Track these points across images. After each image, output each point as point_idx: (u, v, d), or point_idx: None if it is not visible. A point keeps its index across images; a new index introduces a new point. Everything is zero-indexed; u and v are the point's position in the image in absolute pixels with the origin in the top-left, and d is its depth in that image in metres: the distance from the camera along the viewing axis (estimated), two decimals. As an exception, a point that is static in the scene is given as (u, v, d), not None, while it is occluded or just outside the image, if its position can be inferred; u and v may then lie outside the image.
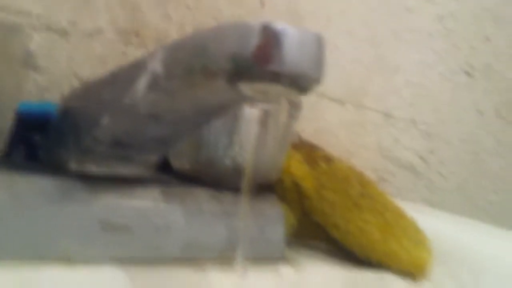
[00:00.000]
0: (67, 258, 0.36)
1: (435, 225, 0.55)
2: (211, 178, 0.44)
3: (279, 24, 0.26)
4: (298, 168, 0.50)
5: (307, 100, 0.64)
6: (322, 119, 0.67)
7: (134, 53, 0.54)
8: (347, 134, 0.69)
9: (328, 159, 0.51)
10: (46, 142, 0.41)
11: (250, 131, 0.29)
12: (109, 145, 0.37)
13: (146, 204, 0.39)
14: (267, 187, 0.48)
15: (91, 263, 0.37)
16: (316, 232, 0.51)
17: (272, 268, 0.44)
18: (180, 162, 0.45)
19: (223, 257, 0.41)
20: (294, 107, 0.46)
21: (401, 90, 0.73)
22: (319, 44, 0.26)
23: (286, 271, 0.44)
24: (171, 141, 0.38)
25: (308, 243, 0.52)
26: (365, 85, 0.70)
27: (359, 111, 0.70)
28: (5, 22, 0.46)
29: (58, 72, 0.51)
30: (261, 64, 0.25)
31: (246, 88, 0.27)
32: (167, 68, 0.30)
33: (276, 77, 0.26)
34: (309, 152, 0.52)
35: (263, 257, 0.43)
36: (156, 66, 0.31)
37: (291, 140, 0.50)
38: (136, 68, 0.33)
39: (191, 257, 0.40)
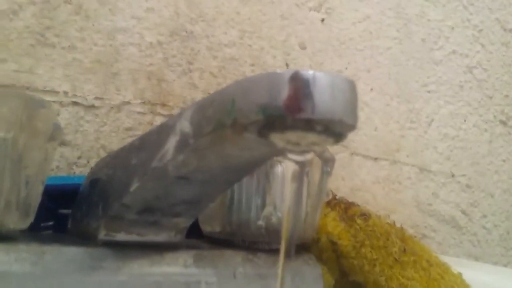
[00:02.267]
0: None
1: (480, 277, 0.53)
2: (244, 240, 0.42)
3: (309, 71, 0.25)
4: (334, 226, 0.49)
5: (340, 158, 0.64)
6: (356, 177, 0.65)
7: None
8: (384, 191, 0.67)
9: (365, 215, 0.50)
10: (74, 213, 0.41)
11: (285, 188, 0.28)
12: (138, 212, 0.36)
13: (177, 270, 0.38)
14: (303, 247, 0.46)
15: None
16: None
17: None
18: (210, 226, 0.43)
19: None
20: (327, 163, 0.45)
21: (436, 143, 0.72)
22: (350, 88, 0.25)
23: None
24: (201, 203, 0.37)
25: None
26: (398, 140, 0.69)
27: (394, 166, 0.68)
28: (31, 96, 0.47)
29: (86, 145, 0.51)
30: (293, 113, 0.24)
31: (278, 139, 0.26)
32: (195, 126, 0.30)
33: (309, 125, 0.25)
34: (345, 209, 0.50)
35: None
36: (184, 125, 0.30)
37: (326, 197, 0.48)
38: (164, 130, 0.32)
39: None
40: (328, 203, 0.50)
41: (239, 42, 0.59)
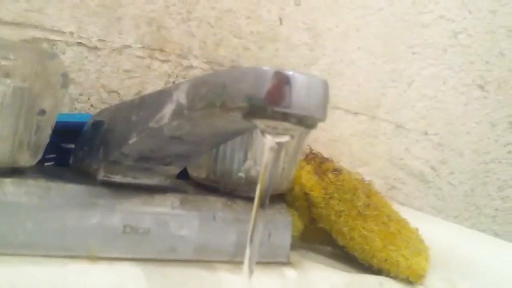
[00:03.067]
0: (92, 256, 0.40)
1: (438, 234, 0.59)
2: (226, 188, 0.48)
3: (290, 71, 0.29)
4: (308, 179, 0.54)
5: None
6: (336, 129, 0.70)
7: (158, 68, 0.58)
8: (360, 144, 0.73)
9: (337, 171, 0.55)
10: (76, 151, 0.46)
11: (265, 157, 0.33)
12: (135, 160, 0.41)
13: (164, 211, 0.43)
14: (278, 197, 0.52)
15: (113, 261, 0.41)
16: (322, 237, 0.55)
17: (278, 271, 0.48)
18: (197, 172, 0.49)
19: (233, 260, 0.45)
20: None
21: (414, 103, 0.76)
22: (324, 88, 0.30)
23: (290, 274, 0.48)
24: (190, 157, 0.42)
25: (314, 247, 0.56)
26: (379, 97, 0.73)
27: (372, 122, 0.73)
28: (44, 48, 0.50)
29: (87, 83, 0.55)
30: (273, 105, 0.29)
31: (259, 123, 0.31)
32: (190, 100, 0.34)
33: (285, 117, 0.29)
34: (319, 164, 0.55)
35: (269, 260, 0.48)
36: (180, 97, 0.35)
37: (302, 155, 0.54)
38: (163, 96, 0.37)
39: (204, 259, 0.45)
40: (305, 157, 0.55)
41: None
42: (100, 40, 0.56)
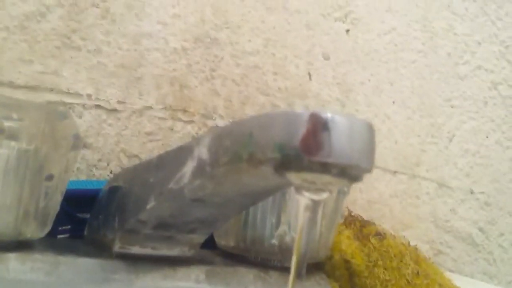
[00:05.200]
0: None
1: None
2: (257, 257, 0.43)
3: (327, 112, 0.25)
4: (348, 245, 0.49)
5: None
6: (374, 190, 0.65)
7: (182, 129, 0.55)
8: (401, 205, 0.67)
9: (380, 235, 0.50)
10: (91, 221, 0.41)
11: (298, 217, 0.28)
12: (153, 227, 0.36)
13: (189, 286, 0.38)
14: (316, 266, 0.46)
15: None
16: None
17: None
18: (225, 240, 0.44)
19: None
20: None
21: (456, 159, 0.71)
22: (368, 131, 0.25)
23: None
24: (216, 222, 0.38)
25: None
26: (418, 154, 0.68)
27: (412, 181, 0.68)
28: (53, 107, 0.47)
29: (106, 148, 0.52)
30: (309, 154, 0.24)
31: (293, 177, 0.26)
32: (213, 155, 0.30)
33: (325, 168, 0.25)
34: (360, 227, 0.50)
35: None
36: (202, 152, 0.30)
37: (341, 218, 0.48)
38: (182, 153, 0.33)
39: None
40: (343, 220, 0.50)
41: (263, 50, 0.59)
42: (119, 102, 0.52)
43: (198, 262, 0.40)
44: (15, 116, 0.34)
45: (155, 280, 0.37)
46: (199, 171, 0.30)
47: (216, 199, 0.33)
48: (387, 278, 0.48)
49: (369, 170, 0.25)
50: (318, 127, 0.24)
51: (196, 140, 0.31)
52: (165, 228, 0.36)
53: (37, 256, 0.35)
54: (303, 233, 0.30)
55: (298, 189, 0.27)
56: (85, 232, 0.42)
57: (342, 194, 0.45)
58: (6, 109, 0.34)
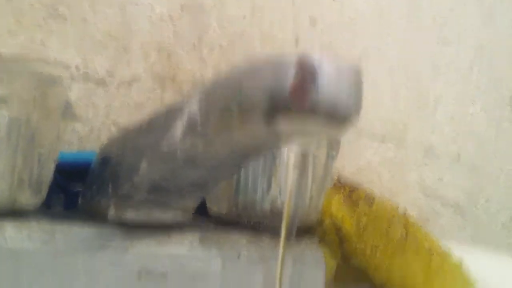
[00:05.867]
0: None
1: (482, 266, 0.53)
2: (250, 222, 0.43)
3: (315, 56, 0.25)
4: (338, 210, 0.49)
5: (347, 139, 0.64)
6: (362, 157, 0.66)
7: (171, 99, 0.54)
8: (389, 172, 0.68)
9: (370, 199, 0.50)
10: (85, 191, 0.41)
11: (288, 174, 0.29)
12: (147, 192, 0.37)
13: (183, 251, 0.38)
14: (306, 230, 0.47)
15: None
16: (357, 275, 0.50)
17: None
18: (217, 206, 0.44)
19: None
20: (333, 147, 0.46)
21: (443, 126, 0.72)
22: (356, 74, 0.26)
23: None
24: (208, 185, 0.38)
25: (348, 287, 0.51)
26: (405, 121, 0.69)
27: (400, 149, 0.68)
28: (43, 74, 0.47)
29: (97, 121, 0.52)
30: (298, 97, 0.25)
31: (283, 125, 0.26)
32: (203, 111, 0.30)
33: (314, 109, 0.25)
34: (350, 192, 0.50)
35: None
36: (192, 109, 0.31)
37: (331, 181, 0.49)
38: (172, 113, 0.33)
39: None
40: (333, 186, 0.50)
41: (249, 16, 0.59)
42: (108, 72, 0.52)
43: (191, 228, 0.40)
44: (4, 83, 0.34)
45: (150, 246, 0.38)
46: (190, 129, 0.30)
47: (208, 161, 0.33)
48: (376, 242, 0.48)
49: (357, 111, 0.26)
50: (306, 70, 0.25)
51: (186, 97, 0.31)
52: (158, 192, 0.37)
53: (33, 224, 0.35)
54: (293, 194, 0.30)
55: (288, 140, 0.27)
56: (79, 202, 0.42)
57: (331, 158, 0.45)
58: (-4, 76, 0.34)
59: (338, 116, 0.25)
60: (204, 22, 0.57)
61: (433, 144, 0.71)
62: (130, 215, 0.38)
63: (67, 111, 0.37)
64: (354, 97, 0.25)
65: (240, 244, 0.41)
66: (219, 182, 0.39)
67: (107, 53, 0.52)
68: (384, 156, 0.67)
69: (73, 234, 0.36)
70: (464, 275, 0.50)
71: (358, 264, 0.49)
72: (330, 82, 0.25)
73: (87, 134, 0.51)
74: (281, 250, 0.32)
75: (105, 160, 0.39)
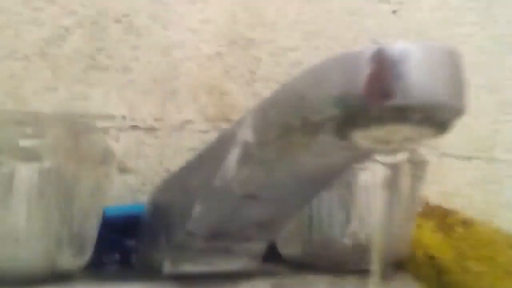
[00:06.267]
0: None
1: None
2: (329, 262, 0.37)
3: (396, 44, 0.19)
4: (432, 238, 0.43)
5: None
6: (449, 181, 0.59)
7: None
8: (481, 194, 0.60)
9: (466, 222, 0.44)
10: (137, 245, 0.37)
11: (375, 197, 0.23)
12: (205, 238, 0.31)
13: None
14: (397, 266, 0.40)
15: None
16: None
17: None
18: (290, 248, 0.38)
19: None
20: (419, 167, 0.39)
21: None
22: (454, 60, 0.20)
23: None
24: (275, 224, 0.32)
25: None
26: (492, 135, 0.61)
27: (490, 165, 0.61)
28: (78, 122, 0.43)
29: (149, 170, 0.47)
30: (378, 100, 0.19)
31: (361, 138, 0.21)
32: (258, 133, 0.25)
33: (401, 115, 0.19)
34: (442, 217, 0.44)
35: None
36: (246, 133, 0.25)
37: (419, 206, 0.43)
38: (224, 143, 0.28)
39: None
40: (422, 213, 0.44)
41: (303, 44, 0.55)
42: (156, 119, 0.48)
43: (261, 275, 0.34)
44: (32, 133, 0.30)
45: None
46: (246, 157, 0.25)
47: (270, 193, 0.28)
48: (481, 270, 0.41)
49: (460, 111, 0.19)
50: (385, 64, 0.19)
51: (238, 122, 0.26)
52: (217, 238, 0.31)
53: (78, 287, 0.31)
54: (382, 218, 0.24)
55: (369, 155, 0.21)
56: (133, 259, 0.37)
57: (417, 178, 0.39)
58: (22, 126, 0.30)
59: (436, 113, 0.19)
60: (255, 55, 0.52)
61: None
62: (188, 267, 0.32)
63: (107, 158, 0.33)
64: (455, 84, 0.19)
65: (321, 288, 0.35)
66: (288, 219, 0.33)
67: (153, 99, 0.48)
68: (473, 176, 0.60)
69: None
70: None
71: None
72: (419, 71, 0.19)
73: (140, 186, 0.47)
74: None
75: (155, 207, 0.35)
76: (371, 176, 0.34)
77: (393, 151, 0.21)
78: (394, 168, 0.22)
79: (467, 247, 0.43)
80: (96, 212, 0.32)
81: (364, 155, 0.23)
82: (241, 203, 0.28)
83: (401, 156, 0.22)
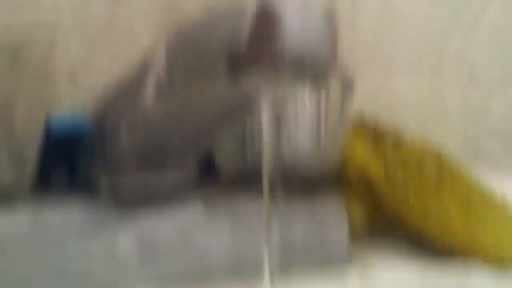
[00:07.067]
0: (104, 285, 0.33)
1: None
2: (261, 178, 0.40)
3: (277, 1, 0.21)
4: (363, 156, 0.45)
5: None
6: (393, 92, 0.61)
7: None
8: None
9: (397, 142, 0.46)
10: (78, 164, 0.39)
11: (264, 130, 0.26)
12: (138, 154, 0.34)
13: (186, 225, 0.35)
14: (326, 181, 0.43)
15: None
16: (389, 225, 0.46)
17: (336, 274, 0.40)
18: (226, 164, 0.41)
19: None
20: (346, 85, 0.41)
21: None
22: (326, 18, 0.22)
23: (352, 281, 0.40)
24: (192, 153, 0.35)
25: (382, 240, 0.47)
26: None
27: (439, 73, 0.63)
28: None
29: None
30: (255, 48, 0.21)
31: (247, 80, 0.23)
32: (169, 72, 0.28)
33: (277, 61, 0.21)
34: (375, 136, 0.47)
35: (326, 263, 0.39)
36: (159, 67, 0.28)
37: (348, 123, 0.44)
38: (143, 72, 0.30)
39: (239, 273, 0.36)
40: (355, 131, 0.46)
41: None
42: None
43: (195, 196, 0.37)
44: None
45: (150, 221, 0.35)
46: (159, 92, 0.28)
47: (183, 122, 0.30)
48: (409, 185, 0.45)
49: (328, 61, 0.22)
50: (265, 18, 0.21)
51: (154, 54, 0.28)
52: (148, 161, 0.33)
53: (20, 207, 0.33)
54: (267, 142, 0.27)
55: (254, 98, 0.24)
56: (74, 176, 0.39)
57: (344, 97, 0.40)
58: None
59: (306, 68, 0.21)
60: None
61: (473, 64, 0.65)
62: (124, 180, 0.34)
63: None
64: (323, 39, 0.21)
65: (250, 206, 0.37)
66: (203, 149, 0.36)
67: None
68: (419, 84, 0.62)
69: (63, 214, 0.34)
70: (509, 216, 0.46)
71: (390, 212, 0.46)
72: (293, 29, 0.21)
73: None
74: (264, 211, 0.30)
75: (94, 124, 0.36)
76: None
77: (278, 95, 0.24)
78: (280, 105, 0.24)
79: (396, 165, 0.45)
80: (38, 122, 0.34)
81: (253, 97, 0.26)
82: (160, 135, 0.31)
83: (284, 95, 0.25)
